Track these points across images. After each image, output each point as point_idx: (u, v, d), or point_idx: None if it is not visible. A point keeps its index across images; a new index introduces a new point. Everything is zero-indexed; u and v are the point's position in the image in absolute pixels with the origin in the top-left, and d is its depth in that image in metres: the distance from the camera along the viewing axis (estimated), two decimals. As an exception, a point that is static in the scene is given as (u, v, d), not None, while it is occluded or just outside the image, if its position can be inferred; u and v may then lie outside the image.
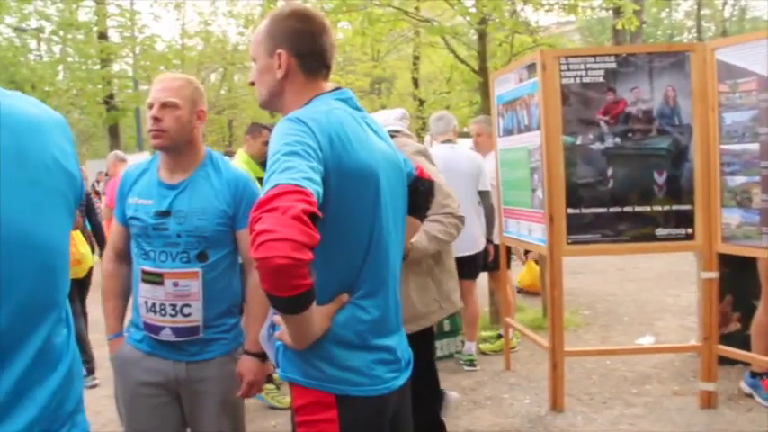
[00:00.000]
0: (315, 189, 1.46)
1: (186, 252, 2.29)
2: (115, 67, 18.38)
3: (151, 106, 2.32)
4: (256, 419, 4.37)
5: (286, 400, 4.25)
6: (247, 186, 2.40)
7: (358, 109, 1.86)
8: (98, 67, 17.58)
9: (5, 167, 1.18)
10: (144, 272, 2.32)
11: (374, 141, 1.80)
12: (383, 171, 1.76)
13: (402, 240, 1.94)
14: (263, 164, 4.51)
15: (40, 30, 17.77)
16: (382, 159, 1.78)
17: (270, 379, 4.52)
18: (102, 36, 17.47)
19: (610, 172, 4.06)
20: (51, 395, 1.25)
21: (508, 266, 5.55)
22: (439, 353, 5.14)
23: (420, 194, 2.09)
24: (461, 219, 3.08)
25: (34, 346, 1.21)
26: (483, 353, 5.53)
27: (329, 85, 1.86)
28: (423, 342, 2.99)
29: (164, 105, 2.30)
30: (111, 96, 17.50)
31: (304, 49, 1.78)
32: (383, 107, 17.38)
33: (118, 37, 18.11)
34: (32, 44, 18.70)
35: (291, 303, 1.48)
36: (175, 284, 2.28)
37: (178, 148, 2.34)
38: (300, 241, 1.35)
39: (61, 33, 17.46)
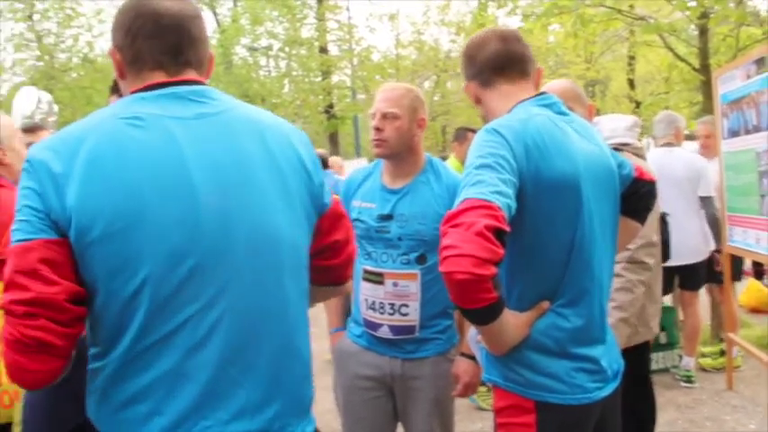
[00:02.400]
0: (504, 202, 1.47)
1: (406, 254, 2.39)
2: (334, 79, 19.43)
3: (374, 116, 2.44)
4: (462, 420, 4.39)
5: (495, 402, 4.23)
6: None
7: (563, 113, 1.81)
8: (319, 79, 18.78)
9: (257, 168, 1.35)
10: (366, 271, 2.45)
11: (577, 146, 1.74)
12: (586, 177, 1.71)
13: (612, 247, 1.88)
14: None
15: (269, 48, 19.38)
16: (586, 164, 1.72)
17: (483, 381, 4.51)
18: (323, 50, 18.62)
19: None
20: (295, 387, 1.41)
21: (737, 278, 5.09)
22: (654, 366, 4.88)
23: (640, 197, 2.02)
24: (642, 264, 2.82)
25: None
26: (702, 369, 5.16)
27: (532, 91, 1.84)
28: (636, 354, 2.88)
29: (384, 116, 2.40)
30: (330, 106, 18.55)
31: (498, 63, 1.82)
32: (597, 111, 16.74)
33: (337, 50, 19.22)
34: (262, 61, 20.31)
35: (478, 315, 1.53)
36: (395, 285, 2.39)
37: (399, 155, 2.44)
38: (482, 257, 1.38)
39: (287, 50, 18.85)
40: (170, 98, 1.34)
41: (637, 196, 1.99)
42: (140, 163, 1.24)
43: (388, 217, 2.43)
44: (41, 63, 18.05)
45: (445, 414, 2.55)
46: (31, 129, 3.15)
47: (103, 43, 18.00)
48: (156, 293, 1.23)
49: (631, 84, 18.51)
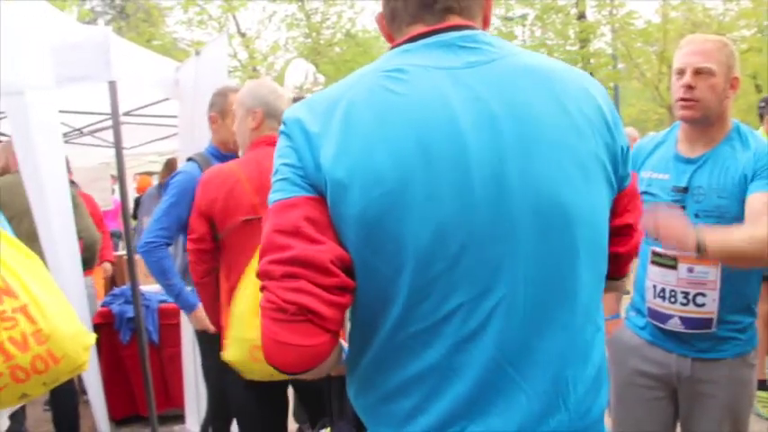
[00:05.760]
0: None
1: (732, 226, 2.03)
2: (593, 46, 18.52)
3: (681, 72, 2.11)
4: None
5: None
6: None
7: None
8: (576, 47, 18.01)
9: (544, 127, 1.10)
10: (655, 253, 2.15)
11: None
12: None
13: None
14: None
15: (524, 17, 18.98)
16: None
17: (763, 385, 4.02)
18: (581, 16, 17.83)
19: None
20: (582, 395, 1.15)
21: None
22: None
23: None
24: None
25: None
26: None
27: None
28: None
29: (697, 72, 2.07)
30: (590, 75, 17.78)
31: None
32: None
33: (596, 16, 18.28)
34: (517, 31, 20.00)
35: None
36: (690, 270, 2.07)
37: (708, 119, 2.10)
38: None
39: (544, 17, 18.34)
40: (435, 46, 1.14)
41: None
42: (403, 121, 1.06)
43: (684, 190, 2.10)
44: (309, 40, 19.41)
45: (739, 423, 2.19)
46: (301, 98, 3.26)
47: (364, 19, 18.93)
48: (421, 275, 1.05)
49: None
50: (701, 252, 1.83)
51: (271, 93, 2.58)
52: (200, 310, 2.96)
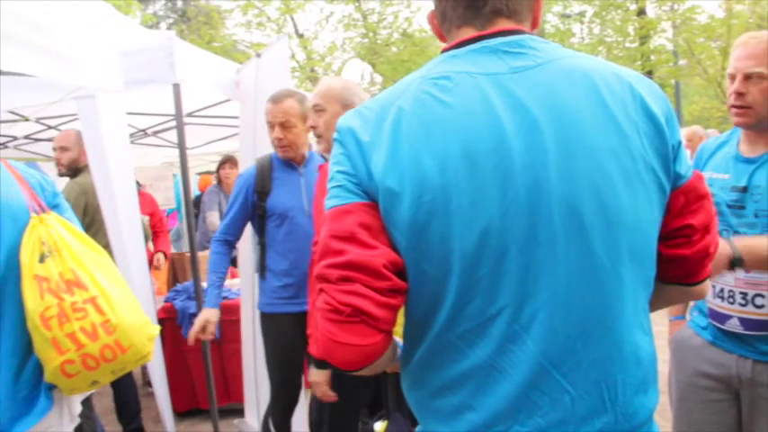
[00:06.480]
0: None
1: (764, 234, 2.00)
2: (654, 43, 18.11)
3: (732, 78, 2.08)
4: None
5: None
6: None
7: None
8: (636, 44, 17.62)
9: (588, 131, 1.11)
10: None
11: None
12: None
13: None
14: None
15: (582, 14, 18.68)
16: None
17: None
18: (641, 12, 17.43)
19: None
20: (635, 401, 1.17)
21: None
22: None
23: None
24: None
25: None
26: None
27: None
28: None
29: (747, 77, 2.03)
30: (650, 72, 17.38)
31: None
32: None
33: (656, 11, 17.86)
34: (575, 28, 19.71)
35: None
36: (747, 270, 2.03)
37: (761, 123, 2.06)
38: None
39: (602, 14, 18.00)
40: (481, 52, 1.16)
41: None
42: (448, 129, 1.10)
43: (743, 189, 2.06)
44: (366, 40, 19.52)
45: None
46: None
47: (421, 18, 18.90)
48: (467, 277, 1.09)
49: None
50: (739, 265, 1.80)
51: (361, 91, 2.61)
52: (205, 311, 3.13)
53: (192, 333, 3.12)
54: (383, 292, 1.10)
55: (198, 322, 3.12)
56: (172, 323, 4.59)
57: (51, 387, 1.96)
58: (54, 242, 1.92)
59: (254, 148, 3.79)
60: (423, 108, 1.13)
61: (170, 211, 7.91)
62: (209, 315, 3.11)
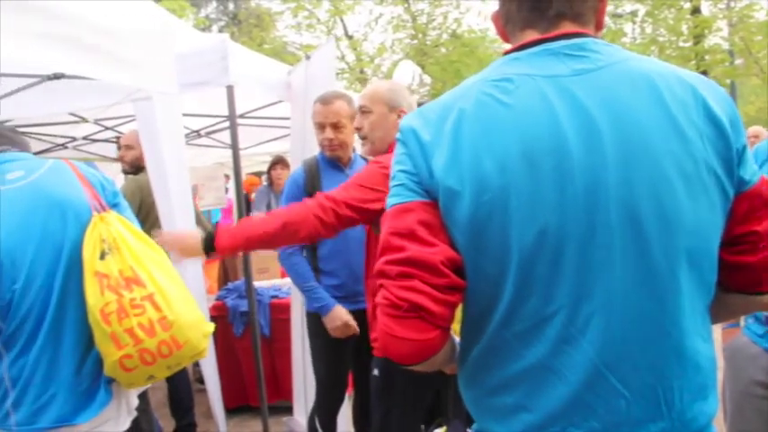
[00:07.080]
0: None
1: None
2: (709, 42, 17.68)
3: None
4: None
5: None
6: None
7: None
8: (690, 43, 17.22)
9: (648, 135, 1.10)
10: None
11: None
12: None
13: None
14: None
15: (634, 14, 18.33)
16: None
17: None
18: (695, 11, 17.04)
19: None
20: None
21: None
22: None
23: None
24: None
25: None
26: None
27: None
28: None
29: None
30: (704, 72, 16.97)
31: None
32: None
33: (711, 10, 17.43)
34: (627, 28, 19.33)
35: None
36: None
37: None
38: None
39: (655, 13, 17.65)
40: (542, 55, 1.17)
41: None
42: (508, 131, 1.11)
43: None
44: (415, 41, 19.53)
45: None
46: (423, 104, 3.31)
47: (470, 19, 18.78)
48: (524, 276, 1.10)
49: None
50: None
51: (408, 94, 2.63)
52: (337, 309, 3.10)
53: (340, 334, 3.13)
54: (441, 288, 1.12)
55: (339, 324, 3.11)
56: (223, 321, 4.67)
57: (110, 381, 2.02)
58: (114, 240, 1.98)
59: (304, 148, 3.83)
60: (483, 109, 1.14)
61: (216, 211, 8.02)
62: (340, 313, 3.11)
